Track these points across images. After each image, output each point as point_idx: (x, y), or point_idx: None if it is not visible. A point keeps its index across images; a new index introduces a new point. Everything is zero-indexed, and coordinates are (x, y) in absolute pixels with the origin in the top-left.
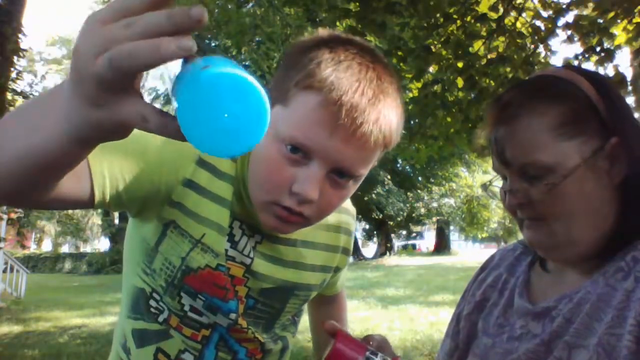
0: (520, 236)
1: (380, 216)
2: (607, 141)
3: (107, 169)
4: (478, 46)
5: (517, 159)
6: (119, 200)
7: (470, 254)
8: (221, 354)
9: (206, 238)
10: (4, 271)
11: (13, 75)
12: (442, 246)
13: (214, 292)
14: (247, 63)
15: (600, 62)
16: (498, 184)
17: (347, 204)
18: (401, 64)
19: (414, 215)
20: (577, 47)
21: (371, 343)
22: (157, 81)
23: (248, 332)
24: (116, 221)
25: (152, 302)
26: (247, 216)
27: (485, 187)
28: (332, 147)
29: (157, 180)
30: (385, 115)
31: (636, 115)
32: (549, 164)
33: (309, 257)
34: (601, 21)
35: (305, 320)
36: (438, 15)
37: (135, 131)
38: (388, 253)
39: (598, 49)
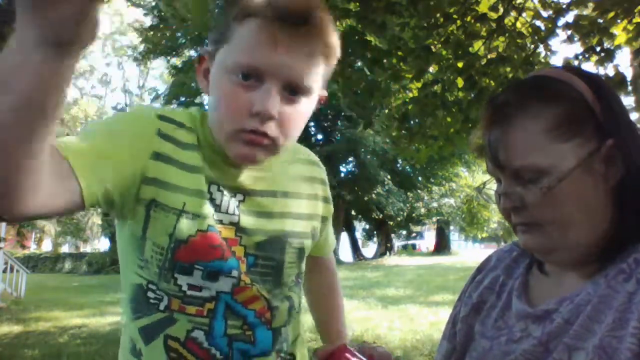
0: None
1: (380, 216)
2: (603, 143)
3: (89, 166)
4: (478, 46)
5: (511, 162)
6: (107, 195)
7: (470, 254)
8: (231, 322)
9: (188, 206)
10: (4, 271)
11: None
12: (442, 246)
13: (211, 255)
14: None
15: (600, 62)
16: (493, 186)
17: (315, 157)
18: (401, 64)
19: (414, 215)
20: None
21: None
22: (156, 81)
23: (253, 289)
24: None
25: (150, 294)
26: (224, 178)
27: (479, 190)
28: (278, 62)
29: (131, 161)
30: (323, 26)
31: (636, 115)
32: (543, 166)
33: (292, 206)
34: (601, 21)
35: (305, 321)
36: (438, 15)
37: (96, 125)
38: (388, 253)
39: (598, 49)
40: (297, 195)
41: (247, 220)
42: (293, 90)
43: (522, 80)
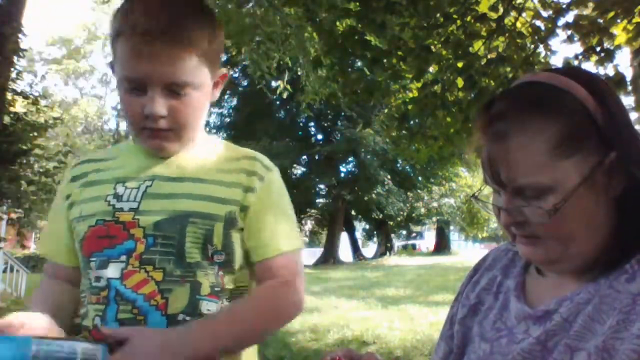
0: None
1: (380, 216)
2: (605, 155)
3: (56, 251)
4: (478, 46)
5: (514, 180)
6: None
7: (470, 254)
8: (122, 307)
9: (83, 212)
10: (4, 271)
11: (13, 75)
12: (442, 246)
13: (100, 246)
14: (247, 63)
15: (600, 62)
16: (487, 192)
17: (252, 153)
18: (401, 64)
19: (414, 215)
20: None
21: None
22: None
23: (141, 272)
24: None
25: (82, 294)
26: (135, 172)
27: (476, 198)
28: (148, 72)
29: (66, 217)
30: (177, 26)
31: (636, 115)
32: (547, 185)
33: (201, 190)
34: (601, 21)
35: (305, 321)
36: (438, 15)
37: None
38: (388, 253)
39: (598, 49)
40: (210, 182)
41: (148, 204)
42: (174, 89)
43: (519, 89)
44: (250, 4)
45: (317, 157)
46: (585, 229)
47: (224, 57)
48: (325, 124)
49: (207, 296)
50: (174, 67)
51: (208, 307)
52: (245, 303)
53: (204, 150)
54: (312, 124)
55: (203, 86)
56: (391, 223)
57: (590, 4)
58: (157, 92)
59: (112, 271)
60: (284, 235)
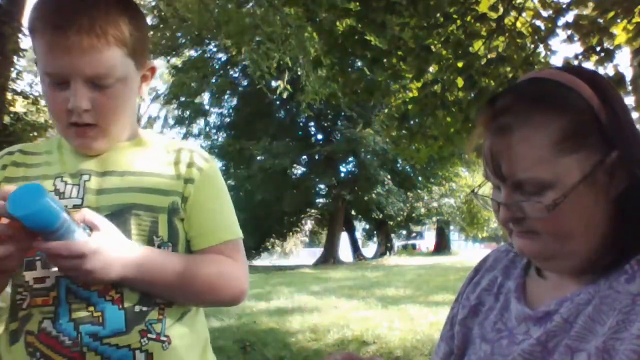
0: None
1: (380, 216)
2: (607, 154)
3: None
4: (478, 46)
5: (514, 174)
6: None
7: (470, 254)
8: (75, 306)
9: None
10: None
11: (13, 75)
12: (442, 246)
13: None
14: (247, 63)
15: (600, 62)
16: (486, 189)
17: (186, 145)
18: (401, 64)
19: (414, 215)
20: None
21: None
22: (156, 81)
23: None
24: None
25: (18, 296)
26: (72, 168)
27: (475, 194)
28: (66, 65)
29: None
30: (88, 16)
31: (636, 114)
32: (548, 180)
33: (142, 182)
34: (601, 21)
35: (305, 320)
36: (438, 15)
37: None
38: (388, 253)
39: (598, 48)
40: (150, 174)
41: (90, 199)
42: (95, 82)
43: (524, 85)
44: (250, 4)
45: (317, 157)
46: (584, 227)
47: (224, 58)
48: (325, 124)
49: None
50: (91, 59)
51: None
52: (201, 261)
53: (133, 144)
54: (312, 124)
55: (127, 79)
56: (391, 223)
57: (590, 4)
58: (79, 85)
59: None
60: (225, 224)
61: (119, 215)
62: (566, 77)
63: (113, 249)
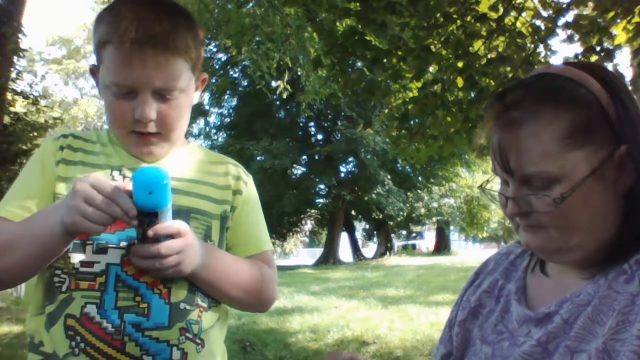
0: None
1: (380, 216)
2: (616, 149)
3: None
4: (478, 46)
5: (522, 168)
6: None
7: (470, 254)
8: (122, 294)
9: None
10: None
11: (13, 75)
12: (442, 246)
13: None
14: (247, 63)
15: (600, 62)
16: (494, 183)
17: (230, 160)
18: (401, 64)
19: (414, 215)
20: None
21: None
22: None
23: None
24: None
25: (55, 278)
26: (129, 162)
27: (483, 189)
28: (139, 78)
29: (46, 183)
30: (165, 32)
31: None
32: (555, 175)
33: (197, 189)
34: (601, 21)
35: (305, 320)
36: (438, 15)
37: (20, 177)
38: (388, 253)
39: (598, 48)
40: (205, 183)
41: None
42: (162, 93)
43: (534, 80)
44: (250, 4)
45: (317, 157)
46: (591, 222)
47: (224, 58)
48: (325, 124)
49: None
50: (163, 73)
51: (202, 300)
52: (249, 263)
53: (186, 152)
54: (312, 124)
55: (188, 90)
56: (391, 223)
57: (590, 4)
58: (147, 96)
59: (111, 257)
60: (264, 235)
61: (179, 216)
62: (575, 73)
63: (197, 238)
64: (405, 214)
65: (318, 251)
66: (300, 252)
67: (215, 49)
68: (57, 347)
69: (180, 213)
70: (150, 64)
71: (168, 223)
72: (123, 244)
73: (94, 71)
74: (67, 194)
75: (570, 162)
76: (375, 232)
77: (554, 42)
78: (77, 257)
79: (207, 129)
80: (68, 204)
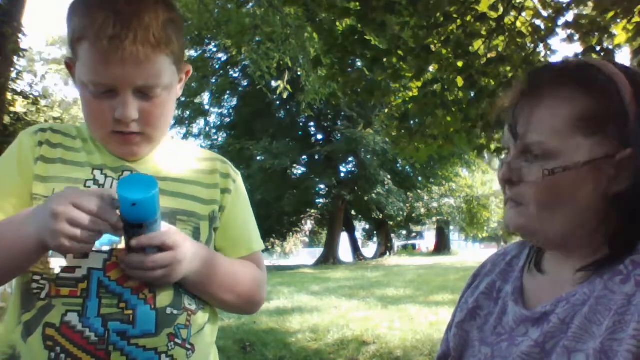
0: (519, 238)
1: (380, 216)
2: (621, 149)
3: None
4: (478, 46)
5: (527, 135)
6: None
7: (470, 254)
8: (105, 301)
9: (57, 190)
10: None
11: (13, 75)
12: (442, 246)
13: None
14: (247, 63)
15: None
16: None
17: (219, 156)
18: (401, 64)
19: (414, 215)
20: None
21: None
22: None
23: None
24: None
25: (34, 284)
26: (111, 163)
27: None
28: (119, 75)
29: (23, 180)
30: (144, 27)
31: None
32: (554, 150)
33: (183, 189)
34: (601, 21)
35: (305, 320)
36: (438, 14)
37: None
38: (388, 253)
39: (598, 48)
40: (190, 182)
41: None
42: (145, 92)
43: (570, 65)
44: (250, 4)
45: (317, 157)
46: (572, 209)
47: (224, 58)
48: (325, 124)
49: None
50: (145, 71)
51: (189, 302)
52: (243, 265)
53: (171, 150)
54: (312, 124)
55: (172, 86)
56: (391, 223)
57: (590, 4)
58: (128, 95)
59: (93, 261)
60: (254, 235)
61: (163, 219)
62: (610, 68)
63: (191, 243)
64: (405, 214)
65: (318, 251)
66: (300, 252)
67: (215, 49)
68: (34, 358)
69: (165, 216)
70: (129, 62)
71: (153, 234)
72: (105, 248)
73: (69, 65)
74: (43, 210)
75: (574, 144)
76: (375, 232)
77: (554, 42)
78: (57, 262)
79: (207, 129)
80: (50, 228)
